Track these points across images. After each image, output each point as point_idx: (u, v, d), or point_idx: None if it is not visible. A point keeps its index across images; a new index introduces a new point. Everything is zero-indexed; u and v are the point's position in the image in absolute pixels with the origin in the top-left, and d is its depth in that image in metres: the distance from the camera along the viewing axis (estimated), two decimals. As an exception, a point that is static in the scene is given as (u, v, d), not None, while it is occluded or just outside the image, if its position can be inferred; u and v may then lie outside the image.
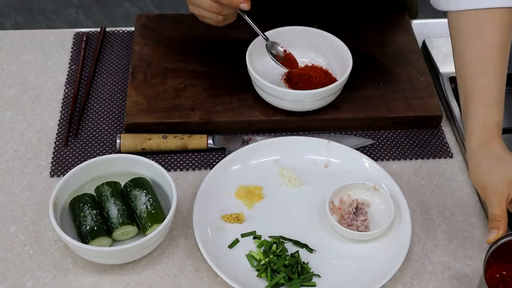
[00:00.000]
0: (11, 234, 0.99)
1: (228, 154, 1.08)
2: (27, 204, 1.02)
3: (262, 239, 0.97)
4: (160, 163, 1.05)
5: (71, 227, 0.95)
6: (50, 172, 1.07)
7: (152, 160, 1.01)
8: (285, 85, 1.16)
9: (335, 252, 0.96)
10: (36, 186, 1.05)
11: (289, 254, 0.94)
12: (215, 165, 1.07)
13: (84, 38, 1.29)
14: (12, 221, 1.00)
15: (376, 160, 1.10)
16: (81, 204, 0.95)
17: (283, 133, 1.13)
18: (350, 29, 1.27)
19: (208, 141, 1.10)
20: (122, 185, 0.99)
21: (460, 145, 1.13)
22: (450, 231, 1.01)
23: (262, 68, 1.16)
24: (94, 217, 0.94)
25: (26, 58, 1.26)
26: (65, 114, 1.16)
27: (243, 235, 0.97)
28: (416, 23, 1.32)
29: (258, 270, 0.93)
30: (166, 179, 0.97)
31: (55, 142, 1.11)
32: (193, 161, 1.09)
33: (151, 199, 0.96)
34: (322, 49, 1.19)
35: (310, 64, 1.19)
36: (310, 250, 0.96)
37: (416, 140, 1.13)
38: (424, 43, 1.29)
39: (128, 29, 1.33)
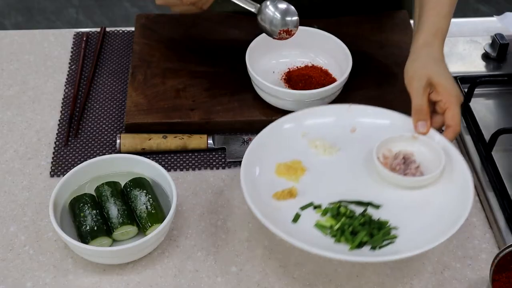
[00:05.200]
0: (11, 234, 0.99)
1: (228, 154, 1.08)
2: (27, 204, 1.02)
3: (322, 208, 0.94)
4: (160, 163, 1.05)
5: (71, 227, 0.95)
6: (50, 172, 1.07)
7: (152, 160, 1.01)
8: (285, 85, 1.16)
9: (400, 204, 0.94)
10: (36, 186, 1.05)
11: (361, 215, 0.92)
12: (215, 165, 1.07)
13: (84, 38, 1.29)
14: (12, 221, 1.00)
15: (376, 160, 1.09)
16: (81, 204, 0.95)
17: (283, 133, 1.13)
18: (349, 29, 1.27)
19: (208, 141, 1.10)
20: (122, 185, 0.99)
21: (460, 145, 1.13)
22: (450, 231, 1.01)
23: (262, 68, 1.16)
24: (94, 217, 0.94)
25: (26, 58, 1.27)
26: (65, 114, 1.16)
27: (302, 208, 0.93)
28: (416, 23, 1.32)
29: (334, 236, 0.90)
30: (166, 179, 0.97)
31: (55, 142, 1.11)
32: (193, 161, 1.09)
33: (151, 199, 0.96)
34: (322, 49, 1.19)
35: (310, 64, 1.19)
36: (376, 207, 0.94)
37: (416, 140, 1.13)
38: (424, 43, 1.28)
39: (128, 29, 1.33)
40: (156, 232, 0.91)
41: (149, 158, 1.01)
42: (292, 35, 1.10)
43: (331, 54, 1.18)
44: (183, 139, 1.09)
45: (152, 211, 0.95)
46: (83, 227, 0.93)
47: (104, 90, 1.20)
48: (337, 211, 0.92)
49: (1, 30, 1.32)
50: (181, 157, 1.10)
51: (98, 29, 1.32)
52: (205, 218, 1.01)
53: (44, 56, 1.27)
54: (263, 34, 1.17)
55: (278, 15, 1.09)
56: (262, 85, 1.10)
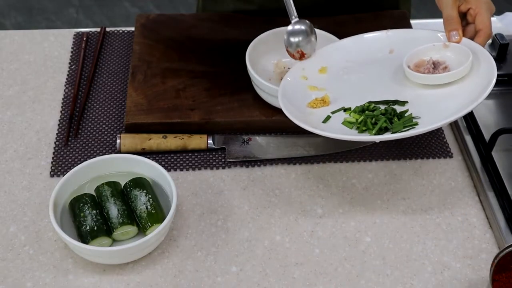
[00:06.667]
0: (11, 234, 0.99)
1: (228, 154, 1.08)
2: (27, 204, 1.02)
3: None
4: (160, 163, 1.05)
5: (71, 227, 0.95)
6: (50, 172, 1.07)
7: (152, 160, 1.01)
8: (285, 85, 1.16)
9: (427, 99, 0.99)
10: (36, 186, 1.05)
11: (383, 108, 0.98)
12: (215, 165, 1.07)
13: (84, 38, 1.29)
14: (12, 221, 1.00)
15: (376, 160, 1.10)
16: (81, 204, 0.95)
17: (283, 133, 1.13)
18: (349, 29, 1.27)
19: (208, 141, 1.10)
20: (122, 185, 0.99)
21: (460, 145, 1.13)
22: (450, 231, 1.01)
23: (262, 68, 1.16)
24: (94, 217, 0.94)
25: (26, 58, 1.27)
26: (65, 114, 1.16)
27: (333, 112, 1.00)
28: (416, 23, 1.32)
29: (358, 128, 0.96)
30: (166, 179, 0.97)
31: (55, 142, 1.11)
32: (193, 161, 1.09)
33: (151, 199, 0.96)
34: (322, 49, 1.19)
35: (310, 64, 1.19)
36: (402, 103, 0.99)
37: (416, 140, 1.13)
38: (424, 43, 1.29)
39: (128, 29, 1.33)
40: (156, 232, 0.91)
41: (149, 158, 1.01)
42: (304, 58, 1.09)
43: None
44: (183, 139, 1.09)
45: (152, 211, 0.95)
46: (83, 227, 0.93)
47: (104, 90, 1.20)
48: (362, 108, 0.99)
49: (1, 30, 1.32)
50: (181, 157, 1.10)
51: (98, 29, 1.32)
52: (205, 218, 1.01)
53: (44, 56, 1.27)
54: (263, 34, 1.17)
55: (285, 36, 1.08)
56: (262, 85, 1.10)
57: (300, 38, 1.08)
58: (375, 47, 1.10)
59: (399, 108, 0.99)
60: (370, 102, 1.00)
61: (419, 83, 1.01)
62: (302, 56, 1.08)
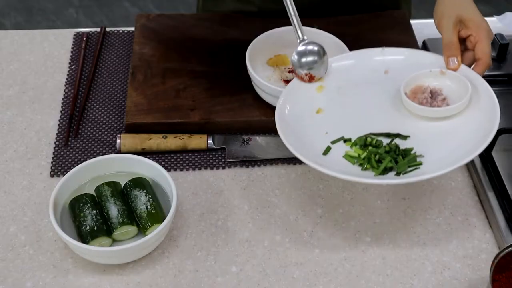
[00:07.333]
0: (11, 234, 0.99)
1: (228, 154, 1.08)
2: (27, 204, 1.02)
3: (352, 141, 0.97)
4: (160, 163, 1.05)
5: (71, 227, 0.95)
6: (50, 172, 1.07)
7: (152, 160, 1.01)
8: (285, 85, 1.16)
9: (427, 134, 0.97)
10: (36, 186, 1.05)
11: (386, 144, 0.96)
12: (215, 165, 1.07)
13: (84, 38, 1.29)
14: (12, 221, 1.00)
15: (376, 160, 1.10)
16: (81, 204, 0.95)
17: (283, 133, 1.13)
18: (349, 29, 1.27)
19: (208, 141, 1.10)
20: (122, 185, 0.99)
21: (460, 145, 1.13)
22: (450, 231, 1.01)
23: (262, 68, 1.16)
24: (94, 217, 0.94)
25: (26, 58, 1.27)
26: (65, 114, 1.16)
27: (333, 142, 0.97)
28: (416, 23, 1.32)
29: (361, 165, 0.93)
30: (166, 179, 0.97)
31: (55, 142, 1.11)
32: (193, 161, 1.09)
33: (151, 199, 0.96)
34: (322, 49, 1.19)
35: (310, 64, 1.19)
36: (404, 138, 0.96)
37: (416, 140, 1.13)
38: (424, 43, 1.29)
39: (128, 29, 1.33)
40: (156, 232, 0.91)
41: (149, 158, 1.01)
42: (313, 81, 1.04)
43: (331, 54, 1.18)
44: (183, 139, 1.09)
45: (152, 211, 0.95)
46: (83, 227, 0.93)
47: (104, 90, 1.20)
48: (364, 142, 0.96)
49: (1, 30, 1.32)
50: (181, 157, 1.10)
51: (98, 29, 1.32)
52: (205, 218, 1.01)
53: (44, 56, 1.27)
54: (263, 34, 1.17)
55: (296, 56, 1.04)
56: (262, 85, 1.10)
57: (312, 59, 1.04)
58: (370, 66, 1.07)
59: (401, 143, 0.96)
60: (371, 136, 0.97)
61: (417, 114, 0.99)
62: (311, 79, 1.04)
